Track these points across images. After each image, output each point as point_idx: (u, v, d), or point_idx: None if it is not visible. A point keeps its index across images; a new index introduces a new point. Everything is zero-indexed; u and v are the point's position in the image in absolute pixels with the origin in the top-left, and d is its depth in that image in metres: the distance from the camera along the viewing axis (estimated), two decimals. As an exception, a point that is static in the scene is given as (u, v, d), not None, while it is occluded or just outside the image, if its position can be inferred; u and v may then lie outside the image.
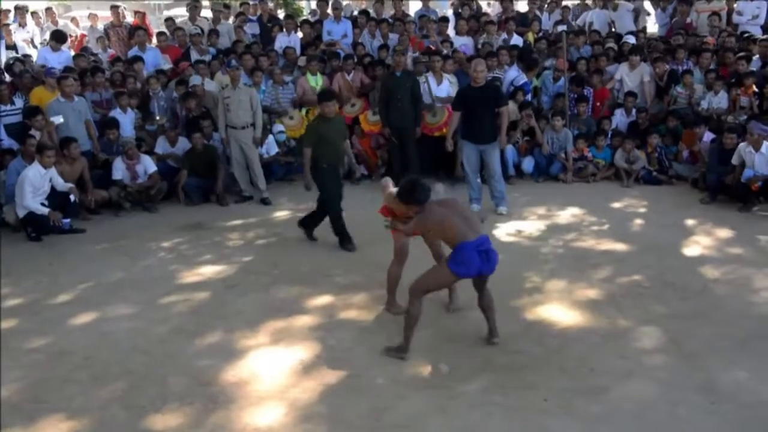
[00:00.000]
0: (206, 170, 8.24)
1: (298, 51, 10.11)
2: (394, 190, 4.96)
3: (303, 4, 19.66)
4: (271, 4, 13.99)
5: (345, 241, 6.55)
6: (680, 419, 3.85)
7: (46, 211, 6.98)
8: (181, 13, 17.23)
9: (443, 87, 8.75)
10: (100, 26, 11.94)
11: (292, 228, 7.21)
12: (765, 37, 9.50)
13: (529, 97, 9.26)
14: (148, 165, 7.98)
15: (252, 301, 5.50)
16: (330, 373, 4.40)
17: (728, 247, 6.41)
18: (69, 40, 10.89)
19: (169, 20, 11.80)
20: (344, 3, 12.57)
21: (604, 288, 5.56)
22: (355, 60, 9.43)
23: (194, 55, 9.76)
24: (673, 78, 9.20)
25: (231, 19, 11.86)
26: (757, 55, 9.16)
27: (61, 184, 7.24)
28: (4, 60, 9.56)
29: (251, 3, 11.82)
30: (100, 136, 8.24)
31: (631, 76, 9.37)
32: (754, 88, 8.52)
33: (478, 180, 7.72)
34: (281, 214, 7.84)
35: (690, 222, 7.12)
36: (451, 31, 10.47)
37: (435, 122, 8.59)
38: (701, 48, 9.61)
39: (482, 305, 4.64)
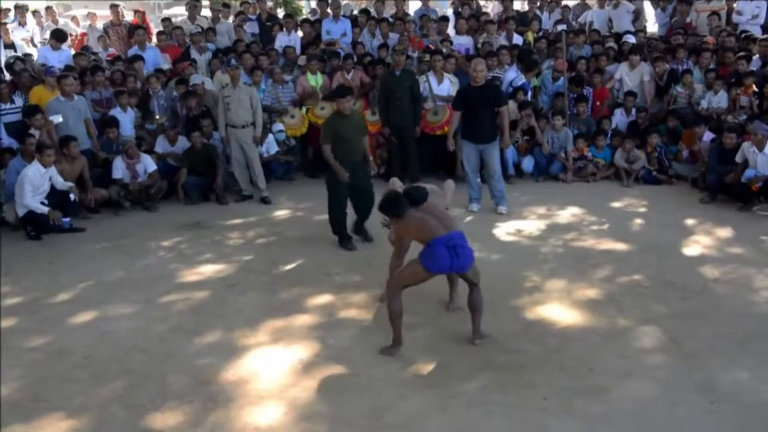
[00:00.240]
0: (205, 169, 8.23)
1: (298, 50, 10.11)
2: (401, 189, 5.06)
3: (303, 3, 19.66)
4: (270, 4, 14.00)
5: (345, 240, 6.55)
6: (680, 419, 3.85)
7: (45, 210, 6.97)
8: (180, 12, 17.25)
9: (444, 86, 8.74)
10: (100, 25, 11.94)
11: (292, 227, 7.21)
12: (765, 36, 9.51)
13: (529, 97, 9.25)
14: (148, 164, 7.98)
15: (252, 300, 5.50)
16: (330, 372, 4.40)
17: (728, 246, 6.42)
18: (69, 39, 10.88)
19: (167, 20, 11.79)
20: (343, 2, 12.58)
21: (604, 287, 5.56)
22: (355, 59, 9.43)
23: (194, 54, 9.76)
24: (672, 77, 9.20)
25: (230, 18, 11.86)
26: (757, 55, 9.16)
27: (61, 183, 7.23)
28: (3, 59, 9.55)
29: (251, 2, 11.82)
30: (99, 134, 8.24)
31: (631, 76, 9.37)
32: (754, 87, 8.52)
33: (478, 179, 7.72)
34: (281, 213, 7.84)
35: (690, 222, 7.12)
36: (451, 31, 10.47)
37: (436, 121, 8.58)
38: (701, 48, 9.61)
39: (470, 305, 4.65)
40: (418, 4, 11.92)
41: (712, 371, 4.30)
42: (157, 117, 8.72)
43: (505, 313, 5.09)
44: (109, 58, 9.93)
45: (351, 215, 6.61)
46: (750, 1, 10.54)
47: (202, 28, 10.56)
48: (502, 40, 10.08)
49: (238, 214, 7.80)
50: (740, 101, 8.55)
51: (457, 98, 7.57)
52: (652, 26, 12.81)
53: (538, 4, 11.82)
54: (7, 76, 8.74)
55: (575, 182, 8.67)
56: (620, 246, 6.47)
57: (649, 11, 12.36)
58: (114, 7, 10.99)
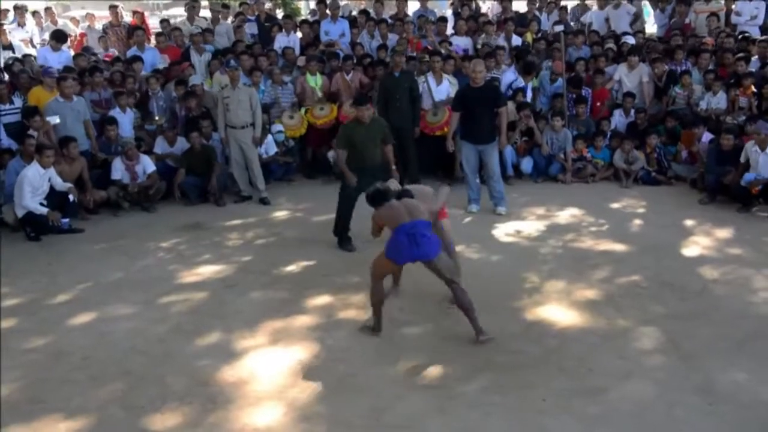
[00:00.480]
0: (204, 170, 8.23)
1: (298, 51, 10.11)
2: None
3: (301, 4, 19.66)
4: (269, 4, 13.99)
5: (344, 241, 6.55)
6: (678, 420, 3.86)
7: (44, 210, 6.98)
8: (179, 12, 17.23)
9: (443, 87, 8.74)
10: (98, 26, 11.93)
11: (291, 228, 7.21)
12: (763, 37, 9.52)
13: (528, 98, 9.25)
14: (147, 165, 7.98)
15: (251, 301, 5.50)
16: (329, 372, 4.40)
17: (727, 247, 6.42)
18: (69, 39, 10.88)
19: (165, 22, 11.78)
20: (342, 3, 12.57)
21: (603, 288, 5.56)
22: (355, 60, 9.43)
23: (193, 55, 9.76)
24: (671, 78, 9.20)
25: (230, 19, 11.85)
26: (756, 56, 9.16)
27: (60, 184, 7.23)
28: (3, 60, 9.54)
29: (250, 3, 11.82)
30: (98, 135, 8.23)
31: (630, 77, 9.37)
32: (753, 88, 8.52)
33: (477, 180, 7.72)
34: (280, 214, 7.83)
35: (689, 222, 7.13)
36: (449, 32, 10.47)
37: (436, 121, 8.58)
38: (700, 48, 9.61)
39: (460, 306, 4.64)
40: (417, 5, 11.91)
41: (711, 372, 4.30)
42: (156, 118, 8.72)
43: (504, 313, 5.09)
44: (107, 59, 9.92)
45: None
46: (749, 2, 10.55)
47: (202, 29, 10.55)
48: (501, 41, 10.09)
49: (237, 215, 7.80)
50: (739, 102, 8.56)
51: (456, 99, 7.58)
52: (651, 27, 12.82)
53: (537, 5, 11.82)
54: (6, 77, 8.73)
55: (574, 183, 8.68)
56: (619, 247, 6.47)
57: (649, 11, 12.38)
58: (113, 8, 10.99)
